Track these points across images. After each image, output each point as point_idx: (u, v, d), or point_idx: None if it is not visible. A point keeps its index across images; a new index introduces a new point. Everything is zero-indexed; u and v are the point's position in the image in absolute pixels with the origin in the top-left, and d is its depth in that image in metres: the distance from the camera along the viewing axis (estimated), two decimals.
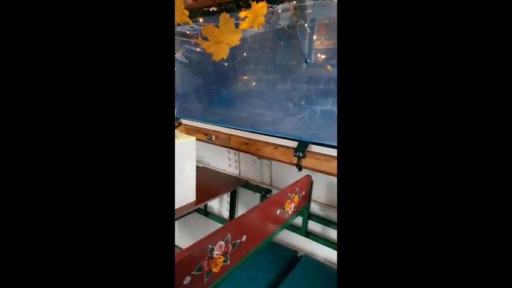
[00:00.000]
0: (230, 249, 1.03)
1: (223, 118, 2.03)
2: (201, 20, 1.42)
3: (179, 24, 1.34)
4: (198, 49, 1.83)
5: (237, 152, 2.02)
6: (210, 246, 0.94)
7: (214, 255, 0.97)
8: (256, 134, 1.84)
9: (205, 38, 1.15)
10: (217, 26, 1.21)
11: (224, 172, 2.17)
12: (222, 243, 0.99)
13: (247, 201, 2.04)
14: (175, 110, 1.52)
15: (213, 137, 2.03)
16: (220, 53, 1.16)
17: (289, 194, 1.38)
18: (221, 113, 2.06)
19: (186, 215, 2.13)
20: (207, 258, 0.93)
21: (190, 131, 2.13)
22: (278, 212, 1.32)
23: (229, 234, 1.01)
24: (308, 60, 1.50)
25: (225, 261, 1.02)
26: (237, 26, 1.13)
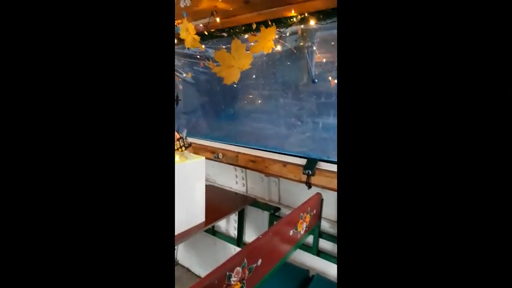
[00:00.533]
0: (247, 274, 1.01)
1: (231, 136, 2.04)
2: (210, 44, 1.45)
3: (188, 48, 1.37)
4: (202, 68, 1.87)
5: (244, 169, 2.01)
6: (227, 273, 0.92)
7: (232, 282, 0.95)
8: (263, 152, 1.84)
9: (212, 60, 1.17)
10: (227, 49, 1.24)
11: (231, 190, 2.16)
12: (239, 269, 0.97)
13: (255, 220, 2.02)
14: (185, 130, 1.53)
15: (220, 155, 2.03)
16: (231, 76, 1.18)
17: (301, 213, 1.37)
18: (228, 131, 2.08)
19: None
20: (224, 285, 0.92)
21: (197, 149, 2.14)
22: (291, 232, 1.30)
23: (245, 259, 0.99)
24: (316, 80, 1.52)
25: (241, 287, 1.00)
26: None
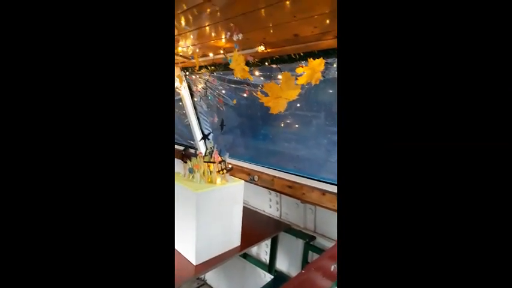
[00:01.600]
0: None
1: (268, 159, 2.05)
2: (256, 73, 1.52)
3: (237, 77, 1.44)
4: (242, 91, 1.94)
5: (278, 193, 2.00)
6: None
7: None
8: (301, 177, 1.82)
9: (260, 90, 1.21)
10: (269, 77, 1.27)
11: (264, 213, 2.14)
12: None
13: (289, 247, 1.97)
14: (227, 154, 1.57)
15: (256, 178, 2.04)
16: (278, 106, 1.21)
17: None
18: (266, 154, 2.10)
19: None
20: None
21: (233, 170, 2.18)
22: (332, 267, 1.25)
23: None
24: None
25: None
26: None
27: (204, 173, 1.54)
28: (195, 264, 1.38)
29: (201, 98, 2.22)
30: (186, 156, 2.82)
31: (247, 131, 2.21)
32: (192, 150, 2.74)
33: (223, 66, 1.80)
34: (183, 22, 1.32)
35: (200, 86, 2.07)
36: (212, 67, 1.90)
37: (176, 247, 1.51)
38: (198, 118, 2.50)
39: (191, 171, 1.55)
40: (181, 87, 2.26)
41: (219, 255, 1.48)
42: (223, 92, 2.10)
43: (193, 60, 1.93)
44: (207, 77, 2.07)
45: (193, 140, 2.70)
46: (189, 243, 1.40)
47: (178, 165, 3.01)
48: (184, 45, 1.51)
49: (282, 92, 1.16)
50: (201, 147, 2.57)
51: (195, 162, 1.61)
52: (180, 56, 1.94)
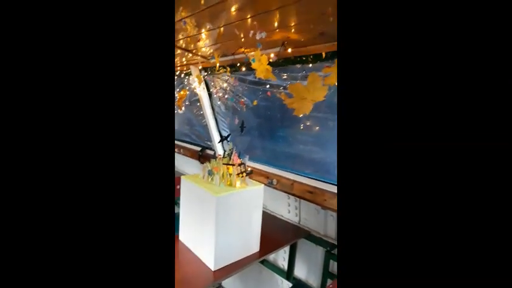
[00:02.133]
0: None
1: (287, 163, 1.99)
2: (279, 73, 1.46)
3: (258, 78, 1.39)
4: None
5: (298, 198, 1.93)
6: None
7: None
8: (322, 183, 1.75)
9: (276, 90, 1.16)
10: (293, 77, 1.22)
11: (282, 218, 2.08)
12: None
13: (308, 254, 1.90)
14: (247, 156, 1.53)
15: (275, 181, 1.99)
16: (303, 108, 1.15)
17: None
18: (285, 157, 2.03)
19: None
20: None
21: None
22: None
23: None
24: None
25: None
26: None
27: (223, 175, 1.50)
28: (213, 270, 1.34)
29: (220, 98, 2.19)
30: (203, 157, 2.81)
31: (265, 132, 2.16)
32: (211, 152, 2.72)
33: (243, 67, 1.76)
34: (203, 20, 1.29)
35: (219, 87, 2.04)
36: (231, 67, 1.86)
37: (194, 252, 1.48)
38: (215, 119, 2.47)
39: (210, 173, 1.52)
40: (199, 88, 2.25)
41: (238, 261, 1.43)
42: (243, 93, 2.06)
43: (213, 61, 1.90)
44: (226, 78, 2.04)
45: (211, 141, 2.68)
46: (207, 248, 1.36)
47: (196, 166, 3.01)
48: (205, 45, 1.48)
49: (308, 93, 1.10)
50: (219, 148, 2.54)
51: (214, 165, 1.57)
52: (200, 56, 1.92)
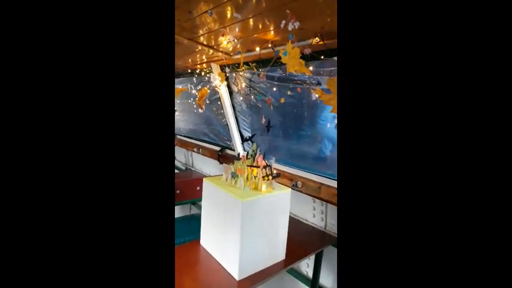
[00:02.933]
0: None
1: (315, 165, 1.87)
2: (310, 67, 1.35)
3: (284, 73, 1.28)
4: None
5: (324, 202, 1.81)
6: None
7: None
8: None
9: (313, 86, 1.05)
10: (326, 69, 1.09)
11: (307, 222, 1.96)
12: None
13: (334, 261, 1.77)
14: (273, 158, 1.42)
15: (300, 184, 1.87)
16: None
17: None
18: (312, 158, 1.91)
19: None
20: None
21: None
22: None
23: None
24: None
25: None
26: None
27: (247, 178, 1.41)
28: (237, 279, 1.25)
29: (242, 96, 2.09)
30: (223, 157, 2.74)
31: (289, 131, 2.04)
32: (231, 152, 2.64)
33: (268, 62, 1.65)
34: (229, 12, 1.20)
35: (243, 84, 1.95)
36: (254, 63, 1.76)
37: (216, 258, 1.40)
38: (236, 118, 2.39)
39: (234, 175, 1.43)
40: (220, 86, 2.17)
41: (263, 270, 1.34)
42: (266, 90, 1.96)
43: (237, 56, 1.81)
44: (248, 75, 1.94)
45: (231, 141, 2.61)
46: (231, 255, 1.28)
47: (215, 166, 2.94)
48: (229, 39, 1.39)
49: None
50: (239, 148, 2.46)
51: (237, 166, 1.48)
52: (221, 52, 1.84)
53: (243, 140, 1.56)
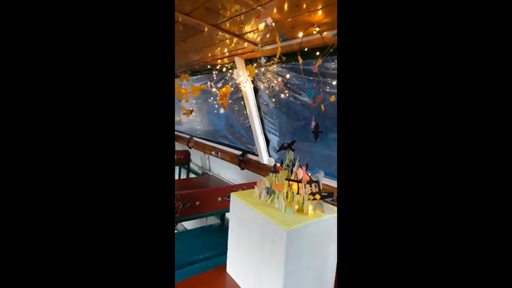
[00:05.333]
0: None
1: None
2: None
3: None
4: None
5: None
6: None
7: None
8: None
9: None
10: None
11: None
12: None
13: None
14: (321, 172, 1.13)
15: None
16: None
17: None
18: None
19: None
20: None
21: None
22: None
23: None
24: None
25: None
26: None
27: (287, 195, 1.13)
28: None
29: (275, 95, 1.80)
30: (244, 163, 2.47)
31: (329, 136, 1.74)
32: (253, 157, 2.37)
33: (307, 54, 1.36)
34: None
35: (279, 79, 1.66)
36: (289, 56, 1.48)
37: None
38: (261, 119, 2.11)
39: (270, 192, 1.16)
40: (244, 83, 1.90)
41: None
42: (300, 86, 1.66)
43: (268, 47, 1.52)
44: (279, 69, 1.65)
45: (253, 145, 2.33)
46: None
47: (236, 171, 2.69)
48: (265, 23, 1.11)
49: None
50: (264, 154, 2.18)
51: (274, 180, 1.21)
52: (248, 41, 1.56)
53: (281, 147, 1.27)
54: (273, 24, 1.09)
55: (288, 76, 1.51)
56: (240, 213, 1.20)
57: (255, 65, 1.43)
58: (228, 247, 1.30)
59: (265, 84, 1.85)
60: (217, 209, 1.98)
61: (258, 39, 1.58)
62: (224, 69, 2.09)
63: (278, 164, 1.27)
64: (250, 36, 1.54)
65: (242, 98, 2.14)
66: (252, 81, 1.95)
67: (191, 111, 2.57)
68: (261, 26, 1.06)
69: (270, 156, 2.20)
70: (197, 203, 1.84)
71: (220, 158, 2.84)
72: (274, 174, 1.22)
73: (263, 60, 1.22)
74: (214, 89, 2.07)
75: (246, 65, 1.90)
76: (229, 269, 1.29)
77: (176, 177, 3.52)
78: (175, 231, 2.77)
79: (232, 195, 1.24)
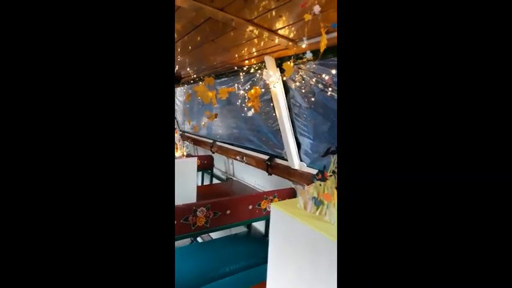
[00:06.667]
0: None
1: None
2: None
3: None
4: None
5: None
6: None
7: None
8: None
9: None
10: None
11: None
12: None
13: None
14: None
15: None
16: None
17: None
18: None
19: None
20: None
21: None
22: None
23: None
24: None
25: None
26: None
27: (334, 206, 0.99)
28: None
29: (314, 94, 1.67)
30: (272, 168, 2.35)
31: None
32: (282, 162, 2.24)
33: None
34: None
35: (316, 78, 1.53)
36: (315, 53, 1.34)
37: None
38: (292, 122, 1.99)
39: (318, 202, 1.03)
40: (275, 84, 1.78)
41: None
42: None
43: (313, 41, 1.40)
44: (318, 66, 1.52)
45: (282, 149, 2.21)
46: None
47: (261, 176, 2.58)
48: (311, 13, 0.99)
49: None
50: (295, 158, 2.05)
51: (321, 190, 1.07)
52: (283, 37, 1.45)
53: (327, 152, 1.13)
54: (319, 12, 0.97)
55: (333, 72, 1.38)
56: (282, 226, 1.08)
57: (290, 63, 1.31)
58: (269, 263, 1.17)
59: (298, 83, 1.73)
60: (248, 218, 1.87)
61: (292, 34, 1.46)
62: (252, 70, 1.99)
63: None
64: (282, 32, 1.43)
65: (270, 100, 2.02)
66: (283, 80, 1.84)
67: (215, 115, 2.50)
68: (316, 10, 0.94)
69: (301, 160, 2.06)
70: (227, 211, 1.73)
71: (246, 163, 2.74)
72: (320, 183, 1.08)
73: (308, 55, 1.10)
74: (241, 91, 1.97)
75: (276, 64, 1.79)
76: (270, 286, 1.17)
77: (199, 182, 3.46)
78: (200, 240, 2.69)
79: (274, 206, 1.12)
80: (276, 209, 1.11)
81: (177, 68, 2.52)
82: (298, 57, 1.58)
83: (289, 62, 1.32)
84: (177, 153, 2.41)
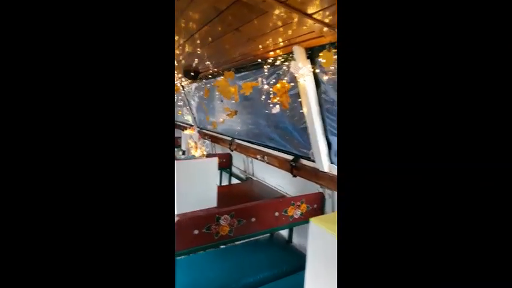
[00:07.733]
0: None
1: None
2: None
3: None
4: None
5: None
6: None
7: None
8: None
9: None
10: None
11: None
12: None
13: None
14: None
15: None
16: None
17: None
18: None
19: None
20: None
21: None
22: None
23: None
24: None
25: None
26: None
27: None
28: None
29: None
30: (297, 169, 2.17)
31: None
32: (308, 163, 2.06)
33: None
34: None
35: None
36: None
37: None
38: (323, 119, 1.79)
39: None
40: (306, 77, 1.59)
41: None
42: None
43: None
44: None
45: (308, 149, 2.02)
46: None
47: (283, 177, 2.40)
48: None
49: None
50: (324, 159, 1.85)
51: None
52: (319, 22, 1.25)
53: None
54: None
55: None
56: (326, 247, 0.90)
57: (330, 51, 1.12)
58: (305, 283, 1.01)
59: (331, 76, 1.53)
60: (274, 226, 1.71)
61: (328, 20, 1.26)
62: (278, 62, 1.80)
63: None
64: (317, 16, 1.23)
65: (297, 95, 1.83)
66: (314, 73, 1.64)
67: (235, 112, 2.33)
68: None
69: (331, 162, 1.87)
70: (252, 219, 1.58)
71: (267, 163, 2.57)
72: None
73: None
74: (266, 86, 1.79)
75: (307, 55, 1.59)
76: None
77: (217, 182, 3.35)
78: (223, 246, 2.57)
79: (313, 222, 0.95)
80: (316, 226, 0.94)
81: (196, 61, 2.37)
82: (334, 45, 1.38)
83: (327, 51, 1.12)
84: (197, 153, 2.28)
